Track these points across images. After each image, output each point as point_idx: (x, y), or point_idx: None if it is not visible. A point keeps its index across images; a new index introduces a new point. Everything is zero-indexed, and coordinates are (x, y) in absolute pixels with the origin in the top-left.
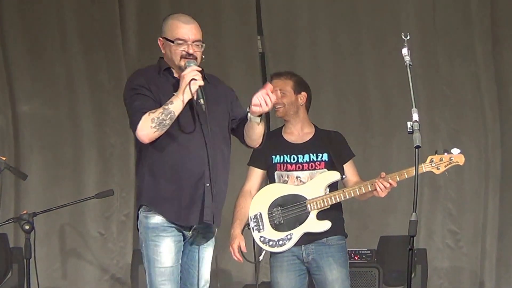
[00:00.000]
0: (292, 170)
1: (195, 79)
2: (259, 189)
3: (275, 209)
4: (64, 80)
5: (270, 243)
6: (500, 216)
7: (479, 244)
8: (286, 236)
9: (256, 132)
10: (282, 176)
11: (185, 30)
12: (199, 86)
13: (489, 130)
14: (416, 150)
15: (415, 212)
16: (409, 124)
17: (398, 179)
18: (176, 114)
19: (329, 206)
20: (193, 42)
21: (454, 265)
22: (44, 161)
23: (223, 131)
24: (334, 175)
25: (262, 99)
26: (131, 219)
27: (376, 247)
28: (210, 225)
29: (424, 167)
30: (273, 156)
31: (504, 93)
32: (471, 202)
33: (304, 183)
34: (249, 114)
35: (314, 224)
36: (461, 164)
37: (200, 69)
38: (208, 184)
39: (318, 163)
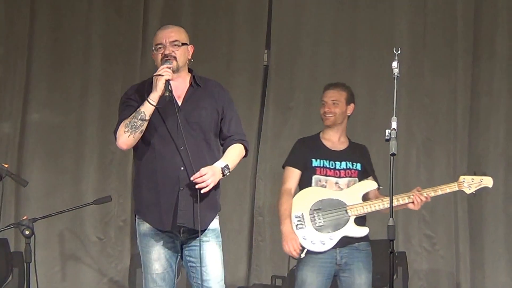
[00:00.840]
0: (331, 176)
1: (161, 75)
2: (296, 190)
3: (316, 211)
4: (79, 91)
5: (313, 241)
6: (469, 219)
7: (453, 247)
8: (328, 237)
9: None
10: (320, 181)
11: (161, 35)
12: (166, 80)
13: (458, 137)
14: (391, 157)
15: (392, 217)
16: (387, 132)
17: (432, 195)
18: (147, 114)
19: (365, 214)
20: (169, 43)
21: (432, 267)
22: (45, 168)
23: (206, 135)
24: (372, 185)
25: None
26: (129, 224)
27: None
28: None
29: (457, 186)
30: (313, 160)
31: (476, 104)
32: (442, 207)
33: (342, 189)
34: None
35: (353, 229)
36: (490, 186)
37: (170, 65)
38: (182, 188)
39: (353, 171)
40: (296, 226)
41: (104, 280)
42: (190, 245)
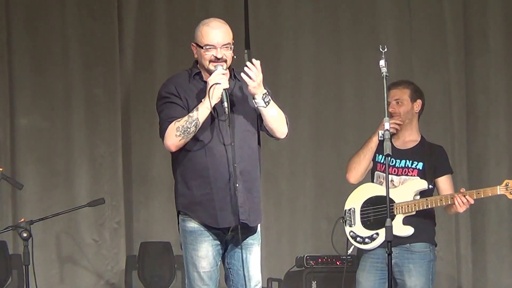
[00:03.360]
0: (389, 173)
1: (218, 83)
2: (366, 180)
3: (367, 207)
4: (62, 94)
5: (358, 239)
6: (471, 220)
7: (454, 248)
8: (372, 235)
9: (270, 120)
10: (379, 177)
11: (213, 35)
12: (224, 89)
13: (456, 138)
14: (387, 158)
15: (389, 218)
16: (380, 132)
17: (475, 197)
18: (201, 120)
19: (413, 213)
20: (221, 46)
21: None
22: (38, 172)
23: (251, 128)
24: (421, 184)
25: (246, 74)
26: (123, 226)
27: (356, 252)
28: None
29: (499, 190)
30: (377, 155)
31: (473, 102)
32: (441, 208)
33: (396, 187)
34: (254, 102)
35: (398, 228)
36: None
37: (225, 72)
38: (238, 184)
39: (412, 170)
40: (345, 221)
41: (101, 282)
42: (236, 247)
